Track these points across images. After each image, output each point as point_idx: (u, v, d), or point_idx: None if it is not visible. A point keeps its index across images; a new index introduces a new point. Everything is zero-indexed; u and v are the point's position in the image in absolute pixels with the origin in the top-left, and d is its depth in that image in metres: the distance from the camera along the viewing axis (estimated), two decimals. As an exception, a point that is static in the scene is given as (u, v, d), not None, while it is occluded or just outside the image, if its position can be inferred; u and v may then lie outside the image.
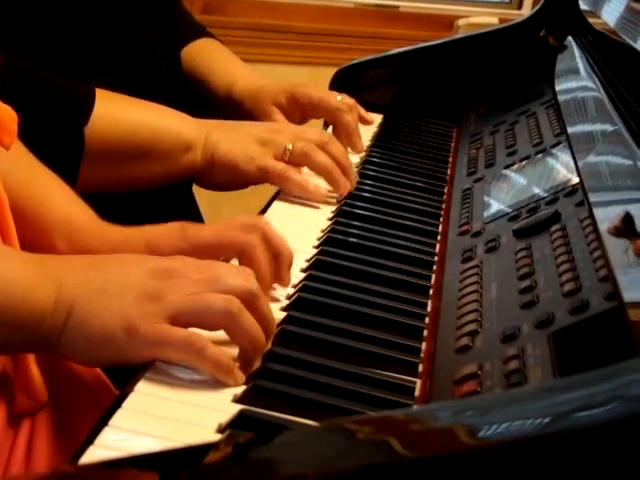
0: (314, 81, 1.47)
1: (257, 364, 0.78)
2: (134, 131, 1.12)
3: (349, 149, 1.32)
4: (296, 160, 1.16)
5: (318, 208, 1.15)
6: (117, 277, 0.77)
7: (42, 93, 1.07)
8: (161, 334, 0.74)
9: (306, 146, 1.16)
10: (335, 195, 1.17)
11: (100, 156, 1.09)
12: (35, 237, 0.91)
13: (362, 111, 1.39)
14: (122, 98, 1.14)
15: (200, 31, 1.47)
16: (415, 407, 0.75)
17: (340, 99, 1.34)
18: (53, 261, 0.80)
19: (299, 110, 1.33)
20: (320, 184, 1.17)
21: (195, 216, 1.39)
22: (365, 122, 1.39)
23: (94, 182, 1.10)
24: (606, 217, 0.82)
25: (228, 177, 1.16)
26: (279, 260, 0.91)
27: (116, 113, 1.11)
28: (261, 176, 1.15)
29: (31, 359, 0.82)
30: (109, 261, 0.81)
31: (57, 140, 1.07)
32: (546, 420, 0.52)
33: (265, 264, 0.89)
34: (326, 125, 1.39)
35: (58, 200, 0.94)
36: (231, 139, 1.16)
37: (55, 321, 0.74)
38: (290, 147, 1.15)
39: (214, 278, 0.78)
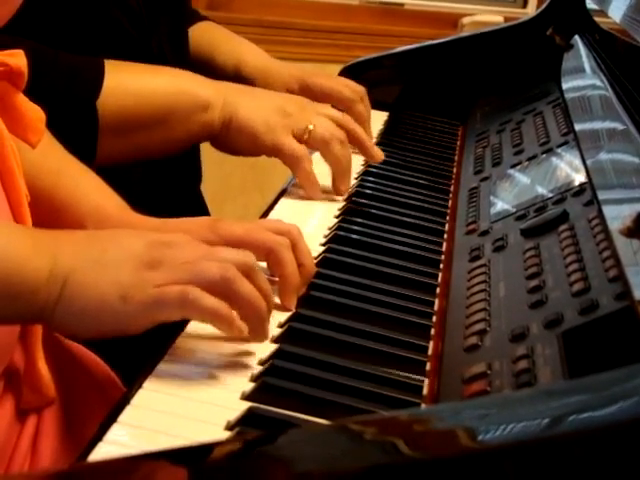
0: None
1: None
2: (148, 97, 1.10)
3: None
4: (314, 144, 1.13)
5: (324, 205, 1.14)
6: (113, 248, 0.76)
7: (51, 70, 1.05)
8: (155, 295, 0.74)
9: (327, 132, 1.13)
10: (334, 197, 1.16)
11: (116, 127, 1.08)
12: (67, 227, 0.90)
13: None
14: (134, 66, 1.13)
15: (196, 16, 1.47)
16: (422, 407, 0.75)
17: (352, 89, 1.32)
18: (49, 234, 0.79)
19: (311, 98, 1.30)
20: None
21: (202, 212, 1.38)
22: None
23: (115, 154, 1.09)
24: (616, 216, 0.81)
25: (244, 143, 1.14)
26: (300, 271, 0.90)
27: (127, 82, 1.10)
28: (274, 151, 1.13)
29: (40, 355, 0.81)
30: (105, 234, 0.80)
31: (70, 116, 1.05)
32: (553, 421, 0.52)
33: (293, 268, 0.88)
34: None
35: (88, 190, 0.94)
36: (252, 104, 1.14)
37: (50, 292, 0.73)
38: (311, 127, 1.13)
39: (211, 251, 0.78)
